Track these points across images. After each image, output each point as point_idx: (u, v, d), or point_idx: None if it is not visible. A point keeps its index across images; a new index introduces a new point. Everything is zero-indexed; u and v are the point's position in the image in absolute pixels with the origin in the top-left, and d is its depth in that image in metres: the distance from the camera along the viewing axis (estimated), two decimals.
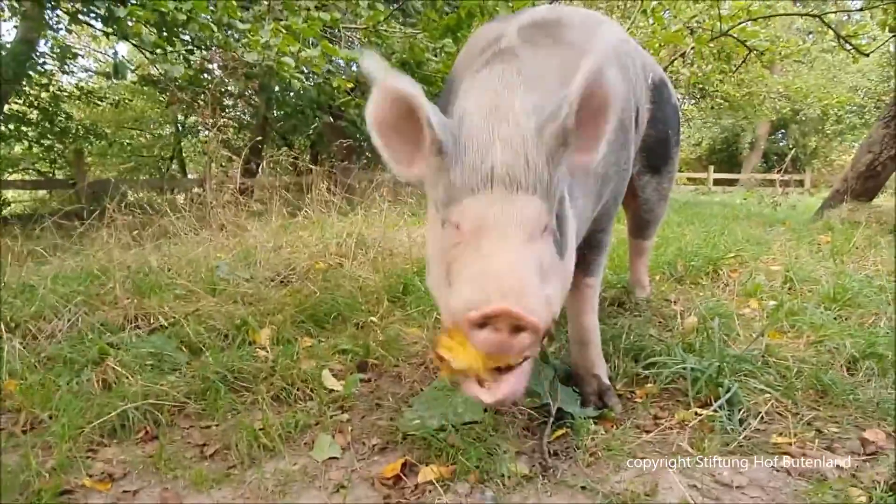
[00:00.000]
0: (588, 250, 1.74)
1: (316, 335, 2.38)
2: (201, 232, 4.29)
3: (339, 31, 6.55)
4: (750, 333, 2.23)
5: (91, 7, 5.17)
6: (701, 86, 7.81)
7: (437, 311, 2.61)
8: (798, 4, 14.77)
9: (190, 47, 5.69)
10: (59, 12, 5.78)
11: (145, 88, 8.37)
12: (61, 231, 4.32)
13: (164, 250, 3.73)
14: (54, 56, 7.29)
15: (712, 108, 9.68)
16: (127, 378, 1.83)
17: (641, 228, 2.61)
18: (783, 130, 19.62)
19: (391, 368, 2.08)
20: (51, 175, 8.96)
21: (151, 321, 2.44)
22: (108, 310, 2.61)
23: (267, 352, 2.14)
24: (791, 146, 18.34)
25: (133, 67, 5.59)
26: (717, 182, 16.52)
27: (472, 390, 1.11)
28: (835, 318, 2.38)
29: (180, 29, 5.28)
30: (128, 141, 10.81)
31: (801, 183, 16.04)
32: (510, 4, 6.14)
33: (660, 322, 2.47)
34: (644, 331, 2.27)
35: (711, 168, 16.66)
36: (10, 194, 8.01)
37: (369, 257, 3.64)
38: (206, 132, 8.00)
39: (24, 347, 2.13)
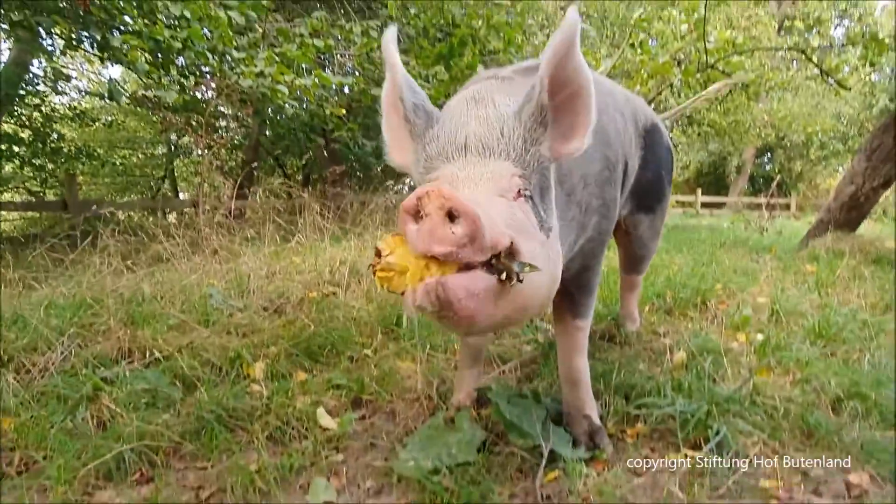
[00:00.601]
0: (576, 290, 1.78)
1: (310, 369, 2.40)
2: (194, 257, 4.30)
3: (332, 57, 6.65)
4: (738, 370, 2.28)
5: (86, 33, 5.21)
6: (688, 114, 7.97)
7: (430, 344, 2.64)
8: (782, 33, 15.12)
9: (185, 72, 5.73)
10: (54, 35, 5.81)
11: (139, 109, 8.39)
12: (53, 254, 4.32)
13: (157, 277, 3.73)
14: (47, 79, 7.32)
15: (699, 134, 9.87)
16: (122, 416, 1.84)
17: (634, 264, 2.67)
18: (769, 155, 19.95)
19: (385, 405, 2.10)
20: (41, 194, 8.94)
21: (145, 354, 2.44)
22: (102, 341, 2.61)
23: (261, 386, 2.15)
24: (777, 170, 18.63)
25: (127, 93, 5.63)
26: (704, 205, 16.73)
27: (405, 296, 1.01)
28: (820, 354, 2.44)
29: (175, 56, 5.33)
30: (120, 161, 10.81)
31: (787, 206, 16.30)
32: (501, 34, 6.28)
33: (650, 357, 2.51)
34: (634, 366, 2.30)
35: (699, 191, 16.87)
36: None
37: (363, 286, 3.67)
38: (199, 152, 8.04)
39: (17, 382, 2.14)
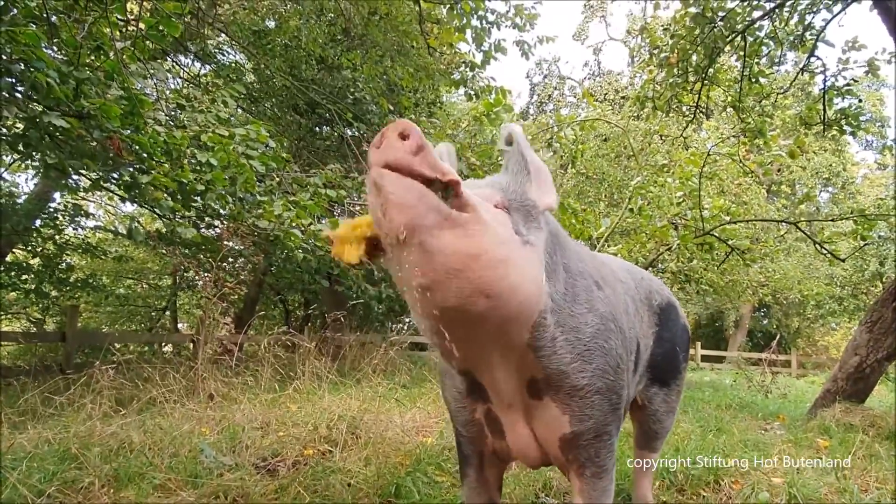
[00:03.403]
0: (588, 464, 1.68)
1: None
2: (188, 403, 4.18)
3: (343, 205, 6.95)
4: None
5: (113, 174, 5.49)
6: (686, 273, 8.22)
7: None
8: (770, 197, 15.94)
9: (202, 213, 5.95)
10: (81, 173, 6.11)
11: (151, 242, 8.61)
12: (46, 393, 4.22)
13: (148, 423, 3.60)
14: (67, 213, 7.59)
15: (697, 292, 10.10)
16: None
17: (649, 440, 2.58)
18: (766, 310, 20.16)
19: None
20: (42, 322, 8.91)
21: None
22: (82, 501, 2.47)
23: None
24: (774, 326, 18.71)
25: (144, 234, 5.83)
26: (705, 358, 16.63)
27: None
28: None
29: (196, 197, 5.56)
30: (123, 291, 10.89)
31: (787, 363, 16.15)
32: None
33: None
34: None
35: (699, 344, 16.84)
36: None
37: (361, 441, 3.54)
38: (202, 285, 8.13)
39: None
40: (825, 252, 5.80)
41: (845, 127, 5.76)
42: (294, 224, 5.41)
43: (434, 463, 3.20)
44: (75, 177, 6.52)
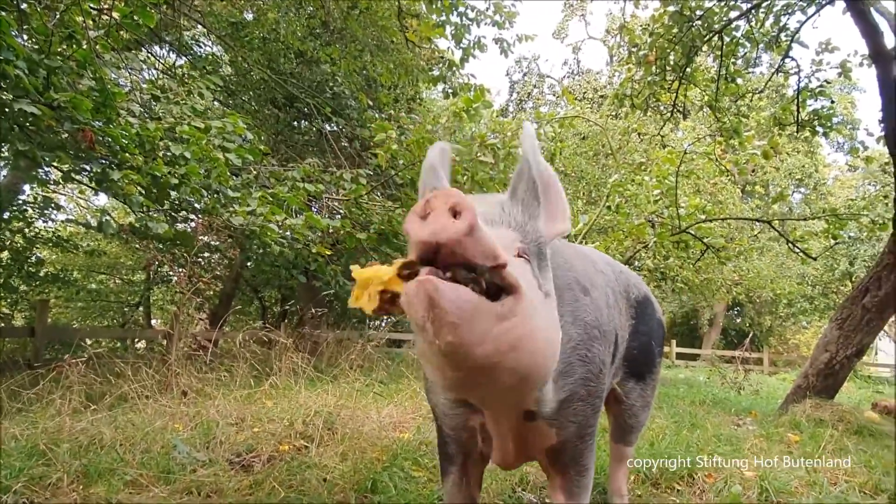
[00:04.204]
0: (571, 463, 1.71)
1: None
2: (161, 398, 4.11)
3: (321, 201, 6.90)
4: None
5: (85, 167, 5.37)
6: (662, 271, 8.32)
7: None
8: (745, 197, 16.19)
9: (177, 207, 5.85)
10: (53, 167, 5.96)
11: (124, 236, 8.46)
12: (12, 383, 4.12)
13: (120, 419, 3.54)
14: (37, 205, 7.41)
15: (673, 290, 10.24)
16: None
17: (624, 434, 2.60)
18: (739, 308, 20.52)
19: None
20: (10, 317, 8.69)
21: None
22: (50, 498, 2.41)
23: None
24: (748, 324, 19.04)
25: (115, 228, 5.71)
26: (679, 356, 16.88)
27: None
28: None
29: (170, 191, 5.46)
30: (95, 286, 10.67)
31: (759, 361, 16.47)
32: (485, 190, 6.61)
33: None
34: None
35: (674, 342, 17.08)
36: None
37: (337, 437, 3.51)
38: (176, 280, 8.03)
39: None
40: (798, 251, 5.91)
41: (818, 128, 5.88)
42: (268, 220, 5.34)
43: (411, 458, 3.19)
44: (46, 168, 6.38)
